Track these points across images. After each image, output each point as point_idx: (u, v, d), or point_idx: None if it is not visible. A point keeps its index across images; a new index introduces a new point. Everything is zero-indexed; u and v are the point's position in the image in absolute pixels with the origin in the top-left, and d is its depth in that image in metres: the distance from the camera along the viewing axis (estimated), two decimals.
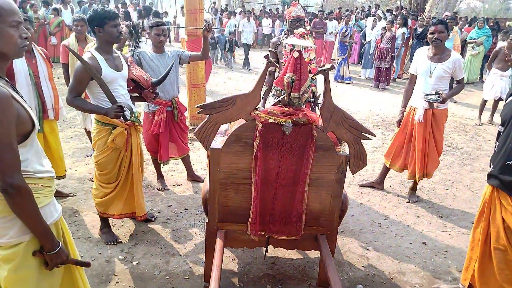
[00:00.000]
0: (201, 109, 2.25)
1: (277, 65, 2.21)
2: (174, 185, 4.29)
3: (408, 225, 3.67)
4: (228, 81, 10.25)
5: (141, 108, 3.98)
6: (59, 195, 3.89)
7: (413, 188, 4.21)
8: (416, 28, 9.56)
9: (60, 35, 10.63)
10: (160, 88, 3.70)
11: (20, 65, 3.10)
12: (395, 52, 9.31)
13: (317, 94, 3.21)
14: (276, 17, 16.99)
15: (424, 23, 9.20)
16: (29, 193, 1.45)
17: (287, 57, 2.15)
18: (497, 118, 7.05)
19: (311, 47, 2.12)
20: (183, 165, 4.38)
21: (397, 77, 10.59)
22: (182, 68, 5.37)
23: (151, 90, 3.05)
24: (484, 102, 6.98)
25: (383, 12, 13.38)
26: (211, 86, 8.58)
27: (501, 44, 7.42)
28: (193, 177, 4.35)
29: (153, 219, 3.54)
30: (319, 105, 2.31)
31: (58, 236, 1.68)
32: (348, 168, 2.40)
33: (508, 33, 6.51)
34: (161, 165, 4.13)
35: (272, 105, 2.31)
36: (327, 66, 2.19)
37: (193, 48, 5.16)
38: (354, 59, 12.72)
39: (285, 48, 2.10)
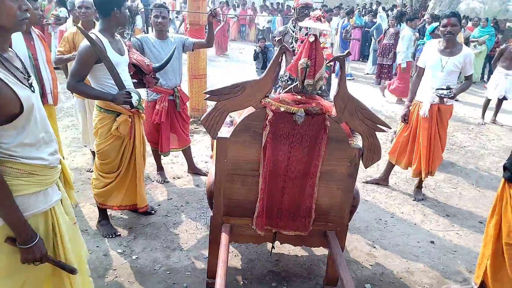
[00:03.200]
0: (208, 95, 2.12)
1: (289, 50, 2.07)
2: (174, 178, 4.17)
3: (415, 224, 3.57)
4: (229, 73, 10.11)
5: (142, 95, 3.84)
6: None
7: (419, 186, 4.11)
8: (424, 25, 9.44)
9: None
10: (162, 75, 3.59)
11: (19, 46, 2.96)
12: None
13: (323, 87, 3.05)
14: (277, 12, 16.80)
15: (431, 20, 9.07)
16: None
17: (302, 41, 2.02)
18: (500, 118, 6.99)
19: (327, 30, 2.00)
20: (184, 157, 4.26)
21: None
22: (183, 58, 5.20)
23: (152, 76, 2.92)
24: (488, 101, 6.89)
25: (384, 9, 13.26)
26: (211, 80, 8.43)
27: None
28: (193, 170, 4.23)
29: (153, 212, 3.42)
30: (329, 96, 2.19)
31: (45, 229, 1.56)
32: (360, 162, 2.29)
33: None
34: (161, 156, 4.01)
35: (284, 92, 2.19)
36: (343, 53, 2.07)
37: (196, 38, 5.01)
38: (354, 56, 12.60)
39: (300, 31, 1.99)
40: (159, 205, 3.59)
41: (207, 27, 3.70)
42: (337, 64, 2.04)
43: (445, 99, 3.54)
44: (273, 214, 2.35)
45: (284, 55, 2.09)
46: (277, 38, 3.65)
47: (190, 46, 3.73)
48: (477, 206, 3.97)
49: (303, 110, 2.08)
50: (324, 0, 19.34)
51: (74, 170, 4.22)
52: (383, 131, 2.21)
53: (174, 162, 4.54)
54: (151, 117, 3.65)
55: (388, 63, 8.89)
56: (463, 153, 5.47)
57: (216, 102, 2.14)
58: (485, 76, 10.70)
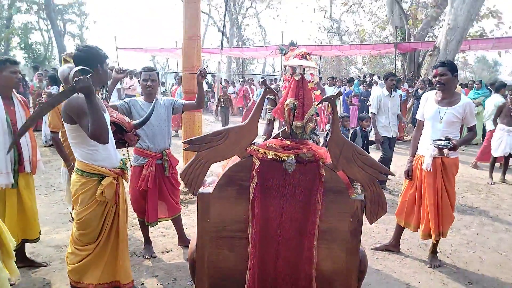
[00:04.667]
0: (188, 145, 1.90)
1: (277, 94, 1.90)
2: (162, 252, 3.78)
3: None
4: None
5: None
6: (31, 264, 3.40)
7: (434, 251, 3.70)
8: (417, 89, 9.63)
9: None
10: (150, 139, 3.42)
11: None
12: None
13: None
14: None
15: (425, 85, 9.28)
16: None
17: (287, 82, 1.86)
18: (509, 177, 6.69)
19: (314, 68, 1.84)
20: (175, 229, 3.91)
21: (397, 139, 10.46)
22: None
23: (134, 133, 2.74)
24: (494, 159, 6.65)
25: (379, 77, 13.67)
26: None
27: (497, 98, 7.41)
28: (185, 242, 3.84)
29: None
30: (323, 139, 1.97)
31: None
32: (364, 217, 1.99)
33: None
34: (149, 228, 3.67)
35: (272, 138, 1.96)
36: (334, 92, 1.89)
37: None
38: (354, 123, 12.68)
39: (285, 73, 1.84)
40: (142, 284, 3.18)
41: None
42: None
43: (445, 151, 3.31)
44: (267, 285, 1.99)
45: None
46: (268, 97, 3.54)
47: (180, 108, 3.62)
48: (503, 272, 3.52)
49: (293, 156, 1.84)
50: (320, 69, 20.07)
51: (54, 247, 3.87)
52: (386, 179, 1.94)
53: (165, 235, 4.18)
54: (137, 183, 3.40)
55: None
56: (476, 214, 5.09)
57: (196, 153, 1.92)
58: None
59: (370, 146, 6.10)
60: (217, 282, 2.00)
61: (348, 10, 27.01)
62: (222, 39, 11.31)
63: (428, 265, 3.62)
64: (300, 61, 1.80)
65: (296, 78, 1.78)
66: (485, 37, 15.38)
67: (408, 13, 17.29)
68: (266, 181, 1.88)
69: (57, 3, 28.63)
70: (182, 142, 1.91)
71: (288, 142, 1.89)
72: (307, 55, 1.81)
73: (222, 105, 11.01)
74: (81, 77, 2.21)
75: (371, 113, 6.07)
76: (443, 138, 3.27)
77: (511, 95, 6.46)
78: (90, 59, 2.52)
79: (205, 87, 16.53)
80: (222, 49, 12.16)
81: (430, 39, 15.54)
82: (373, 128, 6.00)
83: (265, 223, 1.92)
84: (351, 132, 6.04)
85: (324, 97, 1.88)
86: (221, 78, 17.44)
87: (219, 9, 27.38)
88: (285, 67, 1.86)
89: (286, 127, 1.90)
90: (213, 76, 20.04)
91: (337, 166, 1.91)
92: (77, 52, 2.56)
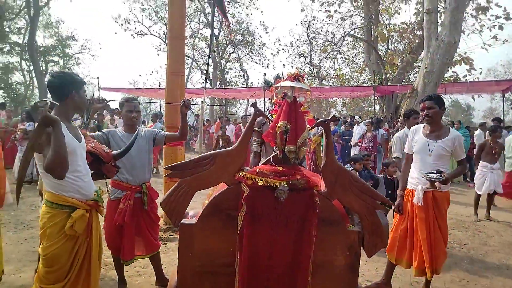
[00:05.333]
0: (170, 171, 1.74)
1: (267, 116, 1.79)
2: None
3: None
4: None
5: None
6: None
7: None
8: (398, 129, 9.78)
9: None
10: (129, 171, 3.23)
11: None
12: (377, 152, 9.36)
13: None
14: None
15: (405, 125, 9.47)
16: None
17: (279, 106, 1.76)
18: (493, 214, 6.66)
19: (308, 91, 1.75)
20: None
21: None
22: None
23: (112, 164, 2.56)
24: (478, 196, 6.65)
25: (360, 117, 13.96)
26: None
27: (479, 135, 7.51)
28: (163, 282, 3.55)
29: None
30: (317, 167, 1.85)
31: None
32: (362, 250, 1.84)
33: (494, 129, 6.54)
34: (124, 266, 3.38)
35: (262, 163, 1.83)
36: (318, 131, 1.80)
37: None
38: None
39: (276, 96, 1.75)
40: None
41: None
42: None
43: (436, 184, 3.24)
44: None
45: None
46: (255, 128, 3.45)
47: (162, 139, 3.47)
48: None
49: (285, 183, 1.71)
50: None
51: (18, 287, 3.51)
52: (385, 207, 1.82)
53: (141, 274, 3.87)
54: (113, 218, 3.16)
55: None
56: (465, 251, 4.97)
57: (179, 180, 1.76)
58: (467, 177, 10.70)
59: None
60: None
61: (327, 56, 28.06)
62: (206, 80, 11.37)
63: None
64: (293, 83, 1.71)
65: (289, 100, 1.68)
66: (459, 81, 16.06)
67: (384, 59, 18.05)
68: (255, 210, 1.73)
69: (40, 44, 28.73)
70: (164, 168, 1.76)
71: (280, 167, 1.76)
72: (300, 77, 1.73)
73: (221, 146, 10.73)
74: (41, 109, 2.11)
75: (395, 157, 5.13)
76: (435, 171, 3.21)
77: (490, 135, 6.59)
78: (65, 85, 2.40)
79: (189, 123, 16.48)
80: (205, 89, 12.23)
81: (407, 83, 16.09)
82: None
83: (254, 257, 1.74)
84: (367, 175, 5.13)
85: (318, 121, 1.79)
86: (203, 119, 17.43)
87: (202, 53, 27.94)
88: (276, 89, 1.77)
89: (277, 152, 1.78)
90: (197, 116, 20.08)
91: (332, 195, 1.78)
92: (51, 78, 2.44)
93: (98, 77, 16.60)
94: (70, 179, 2.33)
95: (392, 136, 10.64)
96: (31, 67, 28.03)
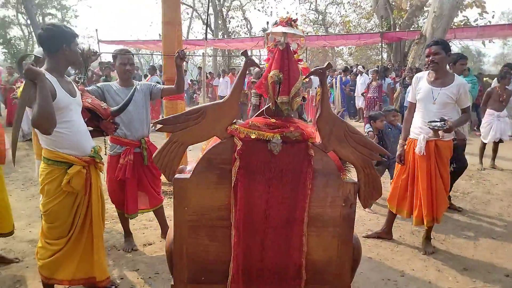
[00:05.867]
0: (160, 126, 1.70)
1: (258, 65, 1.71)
2: (144, 245, 3.57)
3: (429, 282, 3.00)
4: None
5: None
6: (0, 261, 3.17)
7: (427, 237, 3.57)
8: (405, 78, 9.56)
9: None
10: (127, 126, 3.20)
11: None
12: (382, 101, 9.22)
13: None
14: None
15: (412, 74, 9.25)
16: None
17: (272, 54, 1.67)
18: (498, 163, 6.63)
19: (301, 37, 1.65)
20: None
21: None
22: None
23: (111, 121, 2.52)
24: (484, 145, 6.58)
25: (363, 67, 13.66)
26: None
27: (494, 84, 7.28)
28: None
29: (114, 287, 2.80)
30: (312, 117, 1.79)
31: None
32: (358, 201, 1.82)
33: (503, 75, 6.31)
34: (129, 220, 3.46)
35: (255, 116, 1.78)
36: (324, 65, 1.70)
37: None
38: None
39: (268, 42, 1.65)
40: (122, 278, 2.98)
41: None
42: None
43: (440, 133, 3.17)
44: (252, 276, 1.81)
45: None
46: (252, 80, 3.35)
47: (158, 93, 3.40)
48: (499, 257, 3.41)
49: (279, 136, 1.66)
50: (306, 59, 19.89)
51: (29, 241, 3.64)
52: (382, 159, 1.78)
53: (147, 227, 3.97)
54: (114, 173, 3.18)
55: None
56: (468, 199, 5.00)
57: (170, 134, 1.72)
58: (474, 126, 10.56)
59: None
60: (198, 275, 1.81)
61: (333, 2, 26.87)
62: (206, 30, 10.98)
63: (422, 252, 3.50)
64: (284, 29, 1.60)
65: (281, 47, 1.58)
66: (469, 26, 15.40)
67: (392, 3, 17.24)
68: (249, 163, 1.70)
69: None
70: (153, 122, 1.71)
71: (273, 120, 1.70)
72: (293, 22, 1.62)
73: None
74: (24, 65, 2.03)
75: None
76: (438, 120, 3.13)
77: (499, 81, 6.40)
78: (54, 38, 2.31)
79: (190, 78, 16.20)
80: (207, 40, 11.86)
81: (415, 29, 15.49)
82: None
83: (249, 210, 1.74)
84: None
85: (312, 69, 1.70)
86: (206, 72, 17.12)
87: (203, 1, 26.89)
88: (267, 36, 1.67)
89: (270, 103, 1.71)
90: (200, 68, 19.71)
91: (327, 146, 1.73)
92: (40, 31, 2.34)
93: (96, 30, 16.22)
94: (64, 135, 2.31)
95: (398, 85, 10.51)
96: (28, 21, 27.35)
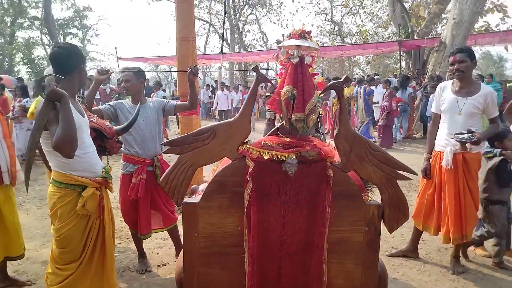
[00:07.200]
0: (168, 147, 1.60)
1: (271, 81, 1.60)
2: (158, 266, 3.47)
3: None
4: None
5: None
6: (13, 284, 3.11)
7: (456, 256, 3.36)
8: (426, 86, 9.37)
9: None
10: (139, 144, 3.14)
11: None
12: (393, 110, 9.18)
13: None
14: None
15: (434, 82, 9.05)
16: None
17: (284, 68, 1.56)
18: None
19: (316, 49, 1.54)
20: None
21: (406, 137, 10.21)
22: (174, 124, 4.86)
23: (116, 140, 2.45)
24: None
25: (378, 77, 13.57)
26: None
27: None
28: None
29: None
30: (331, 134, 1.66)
31: None
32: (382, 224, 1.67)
33: None
34: (142, 240, 3.37)
35: (268, 135, 1.66)
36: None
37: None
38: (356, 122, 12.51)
39: (281, 56, 1.56)
40: None
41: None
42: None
43: (467, 145, 2.99)
44: None
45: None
46: (267, 94, 3.24)
47: (171, 109, 3.33)
48: None
49: (294, 156, 1.53)
50: (323, 70, 19.75)
51: (43, 263, 3.57)
52: (408, 178, 1.63)
53: (162, 246, 3.88)
54: (127, 193, 3.11)
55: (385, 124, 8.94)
56: None
57: (178, 156, 1.62)
58: None
59: None
60: None
61: (349, 12, 26.73)
62: (222, 44, 11.08)
63: (450, 272, 3.29)
64: (298, 41, 1.50)
65: (294, 61, 1.48)
66: (491, 31, 14.99)
67: (410, 11, 17.00)
68: (263, 186, 1.58)
69: (58, 17, 28.81)
70: (161, 144, 1.62)
71: (287, 139, 1.58)
72: (306, 34, 1.50)
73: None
74: (46, 85, 1.96)
75: None
76: (465, 131, 2.96)
77: None
78: (73, 57, 2.26)
79: (209, 93, 16.32)
80: (223, 54, 11.93)
81: (434, 37, 15.20)
82: None
83: (264, 236, 1.61)
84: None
85: (329, 84, 1.58)
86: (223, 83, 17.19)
87: (219, 17, 27.21)
88: (280, 49, 1.56)
89: (284, 121, 1.60)
90: (216, 82, 19.83)
91: (347, 166, 1.60)
92: (57, 49, 2.28)
93: (116, 48, 16.55)
94: (78, 157, 2.24)
95: (418, 93, 10.30)
96: (51, 41, 28.27)
